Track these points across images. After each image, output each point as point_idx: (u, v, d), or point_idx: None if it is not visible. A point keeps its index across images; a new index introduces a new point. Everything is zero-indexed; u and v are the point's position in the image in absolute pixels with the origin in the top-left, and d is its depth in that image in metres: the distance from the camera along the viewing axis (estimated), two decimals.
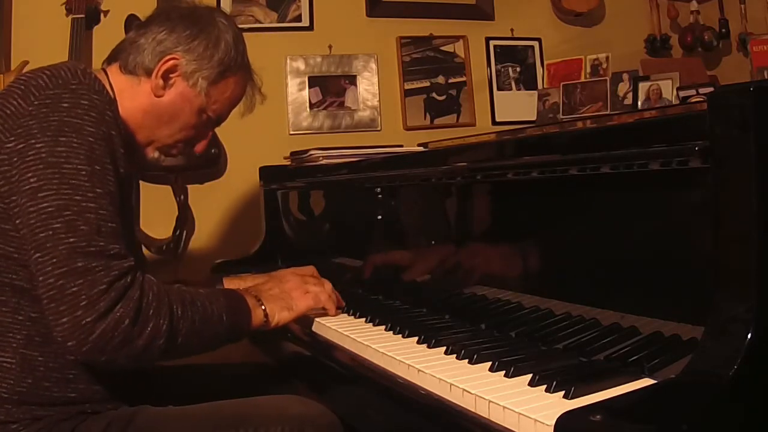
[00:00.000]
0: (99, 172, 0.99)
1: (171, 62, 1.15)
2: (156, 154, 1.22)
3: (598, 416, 0.64)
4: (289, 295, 1.24)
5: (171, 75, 1.16)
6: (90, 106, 1.01)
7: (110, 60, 1.21)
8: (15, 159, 0.97)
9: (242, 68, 1.24)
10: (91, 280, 0.93)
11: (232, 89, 1.23)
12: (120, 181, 1.04)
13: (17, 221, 0.97)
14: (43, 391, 1.02)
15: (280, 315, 1.20)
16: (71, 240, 0.93)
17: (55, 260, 0.93)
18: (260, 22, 2.31)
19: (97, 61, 1.66)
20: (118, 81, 1.16)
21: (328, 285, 1.33)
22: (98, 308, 0.92)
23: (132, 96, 1.15)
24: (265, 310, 1.18)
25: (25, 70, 1.76)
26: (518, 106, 2.52)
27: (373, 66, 2.41)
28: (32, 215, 0.94)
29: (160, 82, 1.15)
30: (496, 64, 2.55)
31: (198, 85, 1.17)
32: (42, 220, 0.94)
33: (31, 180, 0.95)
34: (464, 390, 0.83)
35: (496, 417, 0.77)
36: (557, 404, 0.74)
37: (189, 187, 2.19)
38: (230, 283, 1.40)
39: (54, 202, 0.94)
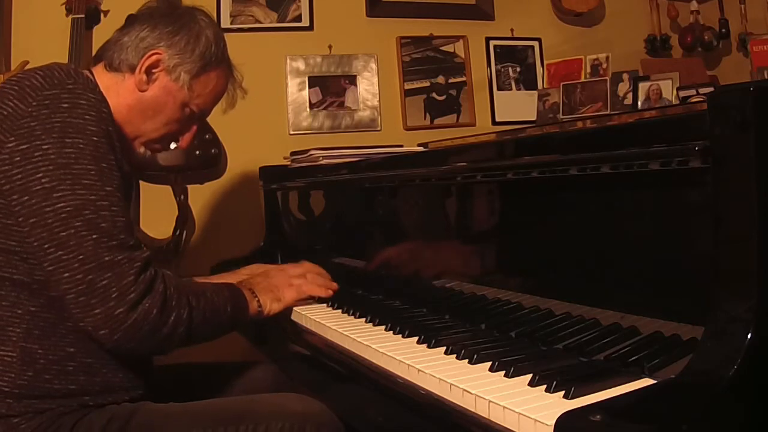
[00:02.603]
0: (106, 170, 1.03)
1: (154, 57, 1.18)
2: (141, 149, 1.25)
3: (598, 416, 0.64)
4: (276, 287, 1.33)
5: (154, 70, 1.19)
6: (89, 105, 1.03)
7: (96, 60, 1.24)
8: (17, 158, 0.98)
9: (223, 62, 1.27)
10: (119, 272, 0.99)
11: (215, 83, 1.26)
12: (122, 176, 1.08)
13: (20, 219, 0.99)
14: (44, 383, 1.03)
15: (271, 306, 1.29)
16: (95, 236, 0.98)
17: (81, 257, 0.97)
18: (260, 22, 2.31)
19: None
20: (103, 80, 1.18)
21: (311, 275, 1.40)
22: (129, 299, 0.99)
23: (117, 93, 1.18)
24: (259, 301, 1.27)
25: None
26: (518, 106, 2.52)
27: (373, 66, 2.41)
28: (49, 215, 0.98)
29: (144, 77, 1.18)
30: (496, 64, 2.55)
31: (180, 79, 1.20)
32: (62, 219, 0.98)
33: (43, 180, 0.98)
34: (464, 390, 0.83)
35: (496, 417, 0.77)
36: (557, 404, 0.74)
37: (189, 187, 2.19)
38: None
39: (71, 202, 0.98)
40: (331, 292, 1.40)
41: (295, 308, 1.36)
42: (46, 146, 0.99)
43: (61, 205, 0.98)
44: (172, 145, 1.32)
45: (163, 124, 1.23)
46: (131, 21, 1.23)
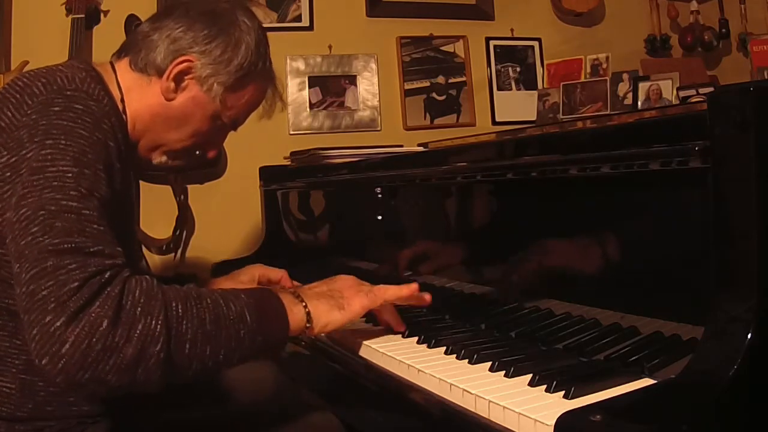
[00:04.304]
0: (88, 176, 0.87)
1: (185, 64, 1.06)
2: (163, 158, 1.14)
3: (598, 416, 0.64)
4: (339, 293, 1.02)
5: (184, 77, 1.07)
6: (85, 111, 0.92)
7: (120, 53, 1.11)
8: (8, 173, 0.88)
9: (263, 74, 1.14)
10: (63, 279, 0.78)
11: (251, 95, 1.13)
12: (115, 194, 0.93)
13: (5, 241, 0.87)
14: (44, 414, 0.97)
15: (329, 316, 0.98)
16: (46, 240, 0.80)
17: (27, 264, 0.79)
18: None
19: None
20: (126, 78, 1.07)
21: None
22: (67, 309, 0.76)
23: (140, 96, 1.07)
24: (307, 308, 0.97)
25: (24, 71, 1.76)
26: (518, 106, 2.52)
27: (373, 66, 2.41)
28: (15, 225, 0.83)
29: (172, 84, 1.06)
30: (496, 64, 2.55)
31: (213, 90, 1.07)
32: (23, 228, 0.82)
33: (18, 190, 0.85)
34: (464, 390, 0.83)
35: (496, 417, 0.77)
36: (557, 404, 0.74)
37: (189, 187, 2.19)
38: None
39: (32, 205, 0.83)
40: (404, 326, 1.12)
41: None
42: (30, 154, 0.87)
43: (23, 211, 0.83)
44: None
45: (189, 135, 1.11)
46: (164, 14, 1.10)
